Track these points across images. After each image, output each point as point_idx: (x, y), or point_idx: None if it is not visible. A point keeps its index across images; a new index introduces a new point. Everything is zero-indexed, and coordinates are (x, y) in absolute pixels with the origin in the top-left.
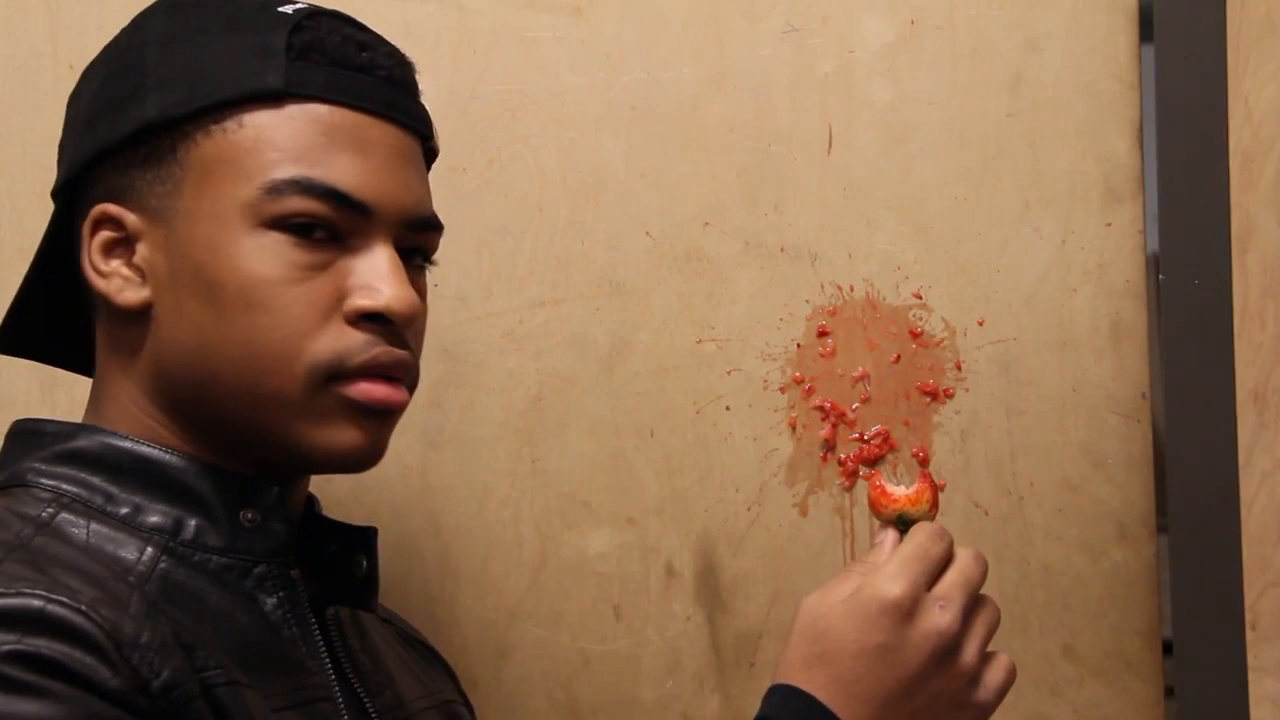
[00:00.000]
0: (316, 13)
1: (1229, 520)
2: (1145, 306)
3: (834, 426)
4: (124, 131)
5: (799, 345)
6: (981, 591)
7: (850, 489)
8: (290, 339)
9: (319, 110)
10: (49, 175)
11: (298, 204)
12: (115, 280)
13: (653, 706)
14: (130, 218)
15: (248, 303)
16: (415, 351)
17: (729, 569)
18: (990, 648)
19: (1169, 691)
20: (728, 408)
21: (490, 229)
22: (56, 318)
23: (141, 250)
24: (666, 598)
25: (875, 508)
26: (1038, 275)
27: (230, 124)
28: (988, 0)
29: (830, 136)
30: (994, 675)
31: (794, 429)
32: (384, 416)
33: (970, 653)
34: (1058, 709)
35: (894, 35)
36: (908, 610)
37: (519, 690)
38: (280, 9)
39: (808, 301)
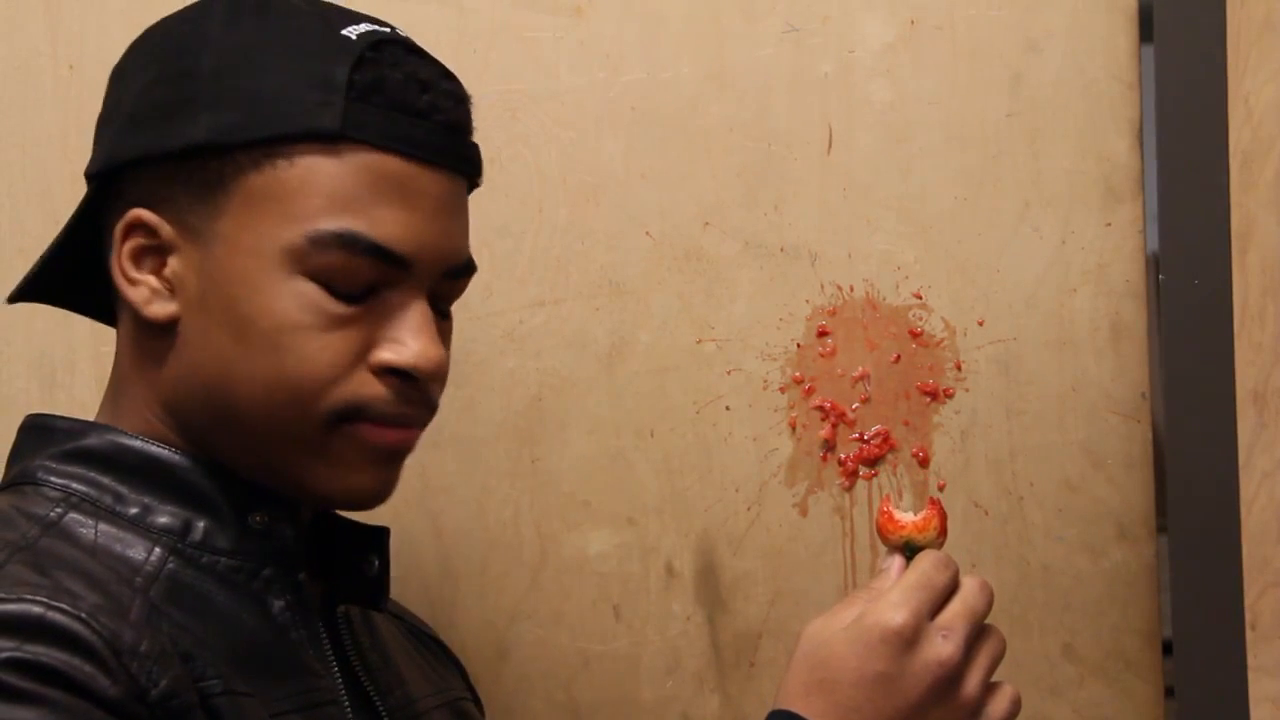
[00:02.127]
0: (380, 41)
1: (1229, 520)
2: (1145, 306)
3: (834, 426)
4: (171, 146)
5: (799, 345)
6: (986, 621)
7: (850, 489)
8: (314, 383)
9: (371, 158)
10: (49, 175)
11: (340, 258)
12: (144, 290)
13: (653, 706)
14: (166, 229)
15: (276, 345)
16: (436, 399)
17: (729, 569)
18: (994, 677)
19: (1169, 691)
20: (728, 408)
21: (490, 229)
22: (81, 278)
23: (174, 264)
24: (666, 598)
25: (882, 534)
26: (1038, 275)
27: (281, 161)
28: (988, 0)
29: (830, 136)
30: (996, 707)
31: (794, 429)
32: (397, 458)
33: (972, 684)
34: (1058, 709)
35: (894, 35)
36: (909, 639)
37: (519, 690)
38: (344, 31)
39: (808, 301)
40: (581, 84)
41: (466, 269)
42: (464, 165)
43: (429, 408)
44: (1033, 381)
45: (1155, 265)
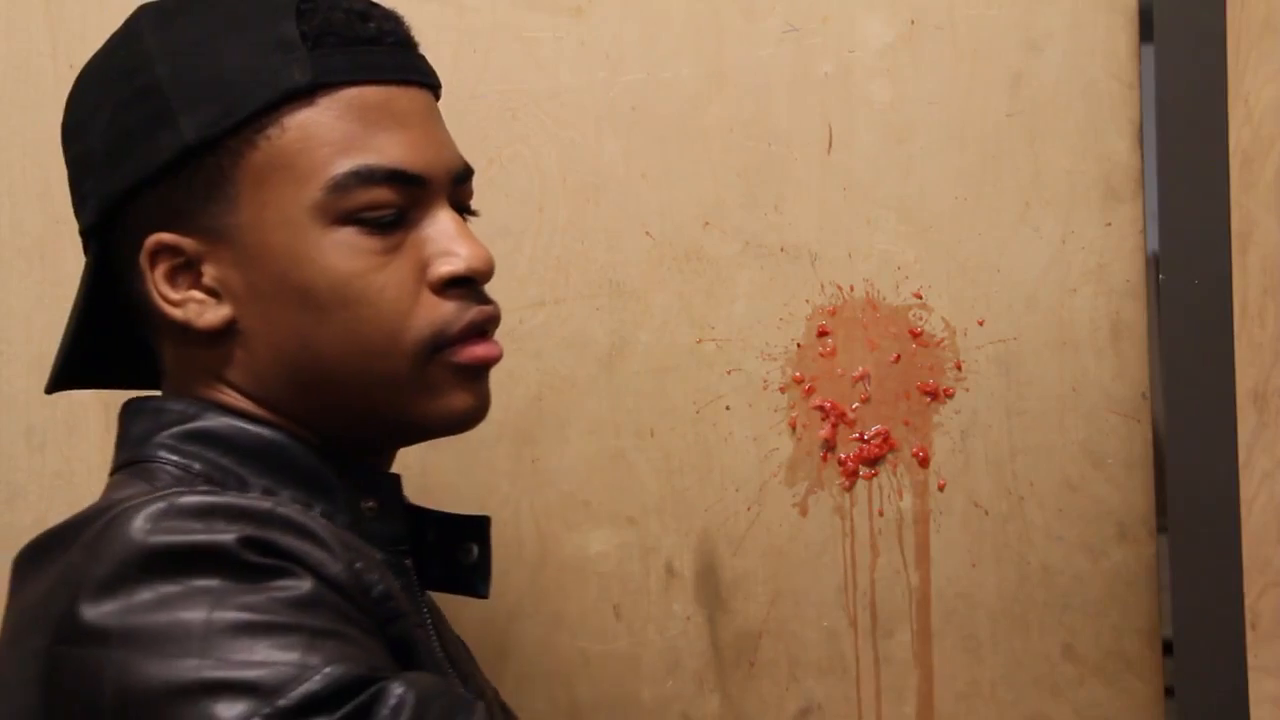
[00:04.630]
0: None
1: (1229, 520)
2: (1145, 306)
3: (834, 426)
4: (161, 160)
5: (799, 345)
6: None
7: (850, 489)
8: (390, 321)
9: (349, 94)
10: (49, 175)
11: (363, 194)
12: (191, 306)
13: (653, 706)
14: (188, 242)
15: (342, 299)
16: (490, 297)
17: (729, 569)
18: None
19: (1169, 691)
20: (728, 408)
21: (490, 229)
22: (110, 348)
23: (209, 271)
24: (666, 598)
25: None
26: (1038, 275)
27: (272, 130)
28: (987, 0)
29: (830, 136)
30: None
31: (794, 429)
32: (485, 373)
33: None
34: (1058, 709)
35: (894, 35)
36: None
37: (519, 690)
38: None
39: (808, 301)
40: (581, 84)
41: (469, 172)
42: (426, 77)
43: (492, 305)
44: (1033, 381)
45: (1155, 265)
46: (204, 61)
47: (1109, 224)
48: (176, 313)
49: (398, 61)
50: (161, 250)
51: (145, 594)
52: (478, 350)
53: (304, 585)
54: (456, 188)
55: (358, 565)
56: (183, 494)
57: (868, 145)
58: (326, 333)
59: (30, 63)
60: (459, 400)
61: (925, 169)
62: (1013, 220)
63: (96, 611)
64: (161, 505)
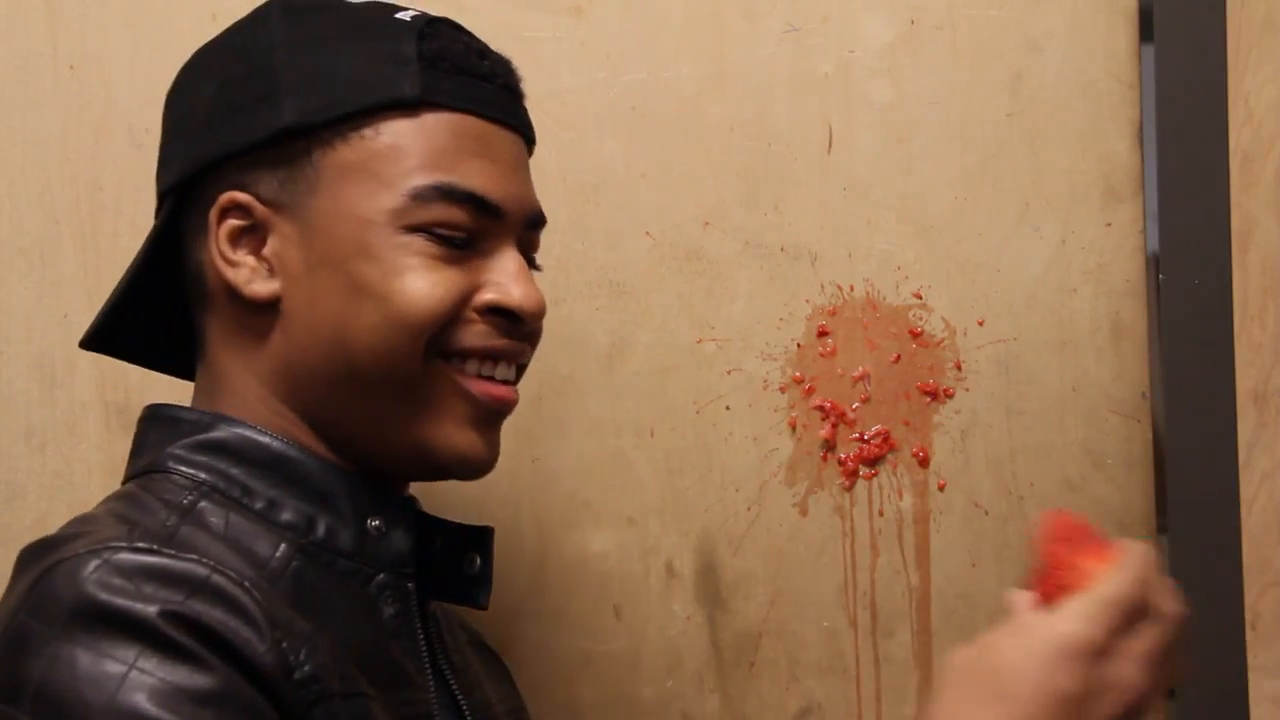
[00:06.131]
0: (433, 20)
1: (1229, 520)
2: (1145, 306)
3: (834, 426)
4: (257, 135)
5: (799, 345)
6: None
7: (850, 489)
8: (423, 315)
9: (451, 118)
10: (49, 175)
11: (441, 209)
12: (244, 271)
13: (653, 706)
14: (260, 208)
15: (389, 290)
16: (537, 337)
17: (729, 569)
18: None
19: (1169, 692)
20: (728, 408)
21: None
22: (155, 317)
23: (272, 243)
24: (666, 597)
25: (1063, 590)
26: (1038, 275)
27: (368, 131)
28: (987, 0)
29: (830, 136)
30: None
31: (794, 429)
32: (497, 419)
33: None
34: None
35: (894, 35)
36: (1096, 654)
37: (519, 690)
38: (397, 15)
39: (808, 301)
40: (581, 84)
41: (542, 219)
42: (525, 128)
43: (530, 344)
44: (1033, 381)
45: (1155, 265)
46: (321, 57)
47: (1109, 224)
48: (229, 273)
49: (502, 103)
50: (232, 208)
51: (63, 653)
52: (490, 387)
53: (211, 679)
54: (526, 232)
55: (284, 645)
56: (120, 550)
57: (868, 145)
58: (362, 324)
59: (30, 63)
60: (464, 437)
61: (925, 169)
62: (1013, 220)
63: (19, 667)
64: (95, 561)
